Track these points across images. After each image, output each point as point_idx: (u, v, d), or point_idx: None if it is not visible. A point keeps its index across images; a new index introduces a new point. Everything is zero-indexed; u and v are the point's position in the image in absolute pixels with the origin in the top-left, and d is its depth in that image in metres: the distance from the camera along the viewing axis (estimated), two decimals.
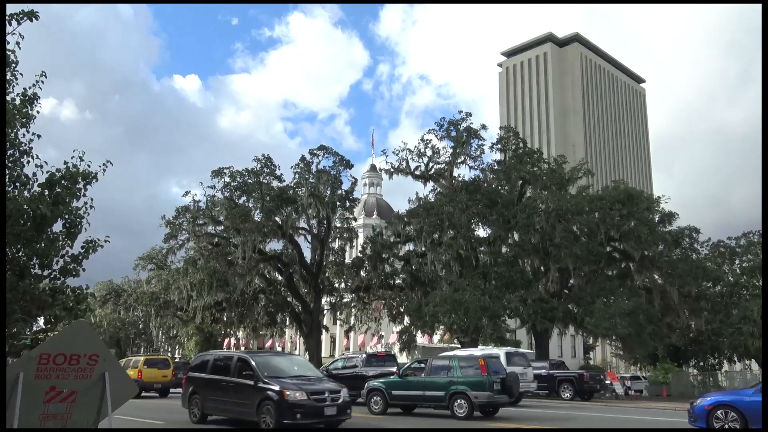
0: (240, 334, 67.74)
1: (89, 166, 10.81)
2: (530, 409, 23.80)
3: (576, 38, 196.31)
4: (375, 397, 20.57)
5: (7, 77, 10.38)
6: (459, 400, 18.69)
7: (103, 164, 10.99)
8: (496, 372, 19.45)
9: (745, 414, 14.04)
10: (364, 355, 27.06)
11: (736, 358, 51.31)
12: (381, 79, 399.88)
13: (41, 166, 10.56)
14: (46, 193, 10.42)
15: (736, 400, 14.68)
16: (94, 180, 10.80)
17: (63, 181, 10.54)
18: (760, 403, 13.80)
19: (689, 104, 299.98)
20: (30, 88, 10.66)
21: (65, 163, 10.74)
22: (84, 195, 10.73)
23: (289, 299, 50.59)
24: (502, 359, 26.04)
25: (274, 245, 48.41)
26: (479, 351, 27.52)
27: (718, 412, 14.58)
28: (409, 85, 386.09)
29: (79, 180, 10.61)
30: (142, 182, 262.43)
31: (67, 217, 10.54)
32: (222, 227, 46.58)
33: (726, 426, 14.12)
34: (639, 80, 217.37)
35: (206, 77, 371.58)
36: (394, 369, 24.17)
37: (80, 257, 10.81)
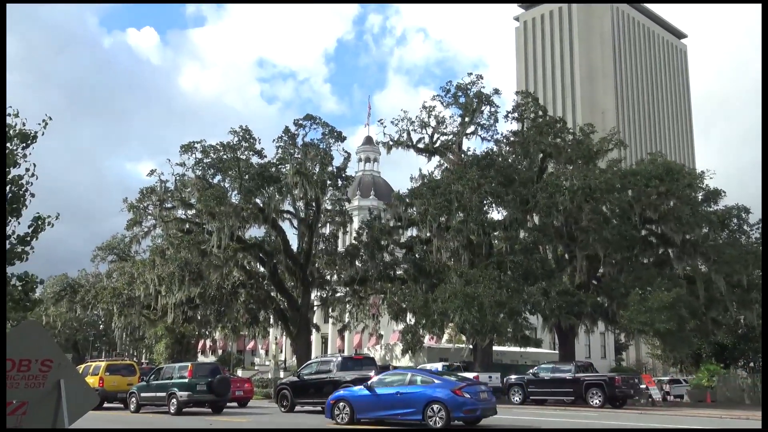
0: (217, 335, 68.05)
1: (24, 124, 10.51)
2: (540, 418, 23.96)
3: None
4: (132, 398, 28.76)
5: None
6: (172, 399, 26.34)
7: (43, 121, 10.66)
8: (203, 375, 26.99)
9: (353, 406, 19.49)
10: (339, 359, 27.14)
11: None
12: (373, 31, 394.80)
13: None
14: None
15: (348, 395, 20.07)
16: (34, 141, 10.53)
17: None
18: (363, 396, 19.40)
19: (735, 61, 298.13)
20: None
21: None
22: (25, 160, 10.48)
23: (273, 294, 50.74)
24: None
25: (255, 232, 48.49)
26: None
27: (339, 404, 19.86)
28: (403, 39, 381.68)
29: (16, 141, 10.32)
30: (88, 156, 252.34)
31: (8, 188, 10.31)
32: (194, 211, 46.56)
33: (341, 416, 19.64)
34: (680, 35, 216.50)
35: (164, 31, 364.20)
36: (372, 373, 23.82)
37: (28, 237, 10.61)
